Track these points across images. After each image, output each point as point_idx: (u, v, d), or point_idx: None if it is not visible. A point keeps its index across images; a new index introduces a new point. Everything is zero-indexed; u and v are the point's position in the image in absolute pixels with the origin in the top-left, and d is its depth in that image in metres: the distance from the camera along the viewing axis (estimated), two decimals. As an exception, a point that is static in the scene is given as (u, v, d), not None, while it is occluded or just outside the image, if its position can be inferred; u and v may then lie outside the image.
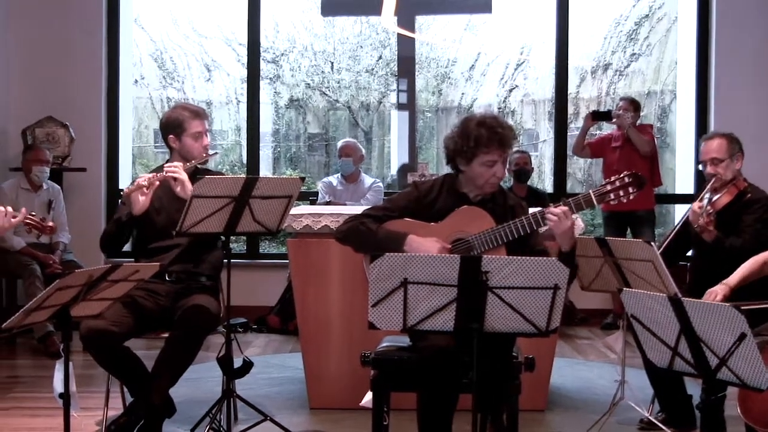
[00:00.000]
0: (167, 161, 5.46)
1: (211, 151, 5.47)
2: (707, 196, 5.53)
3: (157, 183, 5.19)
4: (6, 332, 3.97)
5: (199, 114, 5.42)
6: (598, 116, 8.99)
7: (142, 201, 5.16)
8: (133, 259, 5.34)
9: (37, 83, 9.24)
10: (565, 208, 4.45)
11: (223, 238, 5.24)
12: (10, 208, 4.60)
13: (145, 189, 5.15)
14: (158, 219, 5.32)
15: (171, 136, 5.42)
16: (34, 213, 4.83)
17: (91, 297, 4.10)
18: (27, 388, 6.64)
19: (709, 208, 5.37)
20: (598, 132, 9.65)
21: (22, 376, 7.12)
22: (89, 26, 9.39)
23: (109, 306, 4.34)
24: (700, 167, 5.75)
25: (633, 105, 8.89)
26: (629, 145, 8.75)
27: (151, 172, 5.44)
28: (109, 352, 4.99)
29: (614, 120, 8.82)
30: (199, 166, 5.45)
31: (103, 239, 5.37)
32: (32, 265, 7.82)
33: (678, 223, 5.62)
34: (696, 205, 5.41)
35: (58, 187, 8.50)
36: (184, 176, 5.20)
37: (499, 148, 4.49)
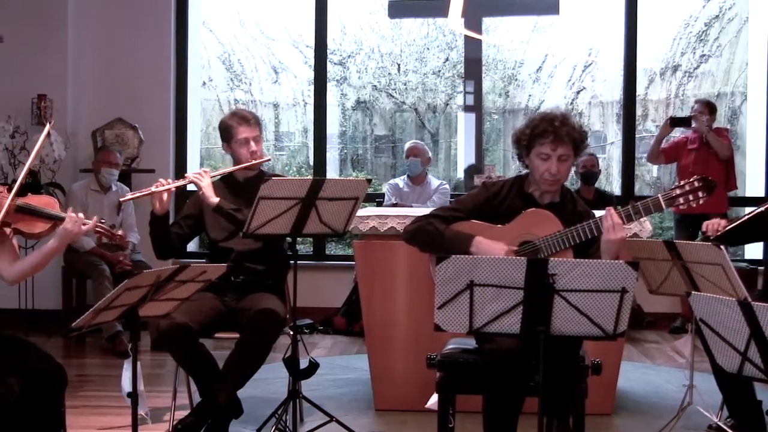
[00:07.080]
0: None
1: (262, 158, 5.48)
2: None
3: (173, 188, 5.24)
4: (75, 331, 4.00)
5: (247, 120, 5.45)
6: (677, 122, 8.82)
7: (164, 202, 5.21)
8: (204, 260, 5.38)
9: (107, 85, 9.35)
10: (618, 221, 4.37)
11: (289, 239, 5.25)
12: (81, 215, 4.61)
13: (164, 193, 5.21)
14: (225, 221, 5.37)
15: (223, 141, 5.54)
16: (104, 220, 4.86)
17: (159, 297, 4.13)
18: (96, 387, 6.71)
19: None
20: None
21: (90, 375, 7.20)
22: (158, 29, 9.49)
23: (177, 306, 4.37)
24: None
25: (708, 108, 8.76)
26: (705, 148, 8.64)
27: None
28: (186, 347, 5.03)
29: (694, 126, 8.70)
30: (263, 169, 5.51)
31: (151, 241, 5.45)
32: (101, 265, 7.89)
33: (754, 211, 5.45)
34: None
35: (127, 188, 8.55)
36: (205, 183, 5.28)
37: (553, 142, 4.47)
